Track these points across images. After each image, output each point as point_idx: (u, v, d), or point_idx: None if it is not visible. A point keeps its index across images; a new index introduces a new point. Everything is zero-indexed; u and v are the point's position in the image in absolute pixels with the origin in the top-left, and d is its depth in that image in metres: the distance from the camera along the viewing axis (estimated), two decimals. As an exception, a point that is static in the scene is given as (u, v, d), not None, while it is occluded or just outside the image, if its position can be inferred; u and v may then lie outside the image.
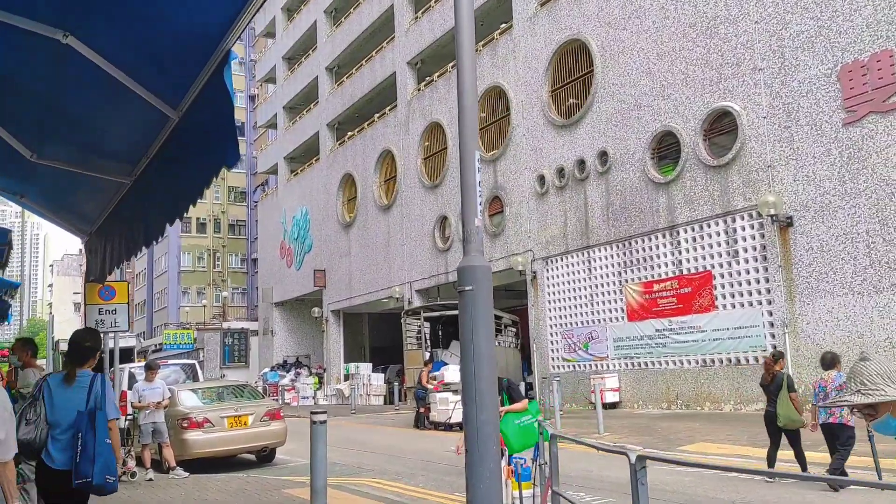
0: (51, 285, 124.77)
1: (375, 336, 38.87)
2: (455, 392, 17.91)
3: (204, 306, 56.30)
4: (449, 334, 23.12)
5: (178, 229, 60.10)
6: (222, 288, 58.82)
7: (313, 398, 35.03)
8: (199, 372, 17.53)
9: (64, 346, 15.60)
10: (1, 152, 5.98)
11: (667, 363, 18.62)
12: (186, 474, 10.64)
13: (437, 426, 17.39)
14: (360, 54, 34.80)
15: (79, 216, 9.30)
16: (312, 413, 7.55)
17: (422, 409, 18.14)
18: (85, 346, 4.62)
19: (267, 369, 39.71)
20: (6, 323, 32.50)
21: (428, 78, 29.33)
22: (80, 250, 10.16)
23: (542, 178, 22.59)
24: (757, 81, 16.59)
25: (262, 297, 44.57)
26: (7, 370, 11.35)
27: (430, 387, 17.93)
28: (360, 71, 34.58)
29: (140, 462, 10.89)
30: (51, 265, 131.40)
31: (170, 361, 18.20)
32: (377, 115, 32.82)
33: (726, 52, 17.27)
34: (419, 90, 29.73)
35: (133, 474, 10.36)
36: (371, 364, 33.16)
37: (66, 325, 66.03)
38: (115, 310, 10.65)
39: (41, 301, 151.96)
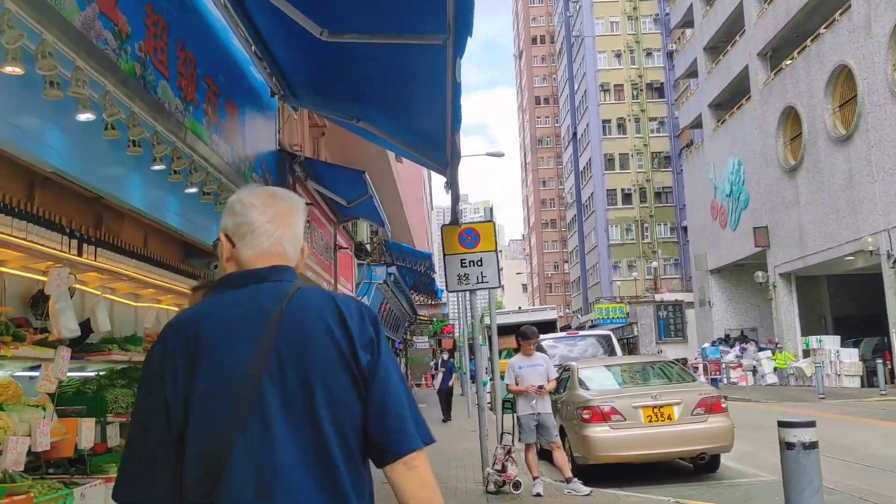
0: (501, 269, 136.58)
1: (838, 304, 31.70)
2: None
3: (635, 279, 53.93)
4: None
5: (603, 202, 58.89)
6: (652, 259, 55.72)
7: (761, 377, 29.66)
8: (616, 345, 14.45)
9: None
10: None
11: None
12: (588, 490, 7.44)
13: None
14: (795, -43, 28.21)
15: (429, 141, 6.87)
16: (783, 424, 3.72)
17: None
18: None
19: (707, 344, 35.35)
20: (437, 299, 34.08)
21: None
22: (446, 187, 7.79)
23: None
24: None
25: (696, 266, 40.12)
26: None
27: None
28: (796, -23, 28.02)
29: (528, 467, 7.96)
30: (500, 250, 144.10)
31: (580, 333, 15.53)
32: (823, 26, 26.05)
33: None
34: (883, -24, 22.43)
35: (516, 485, 7.60)
36: (839, 337, 26.66)
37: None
38: (481, 260, 8.04)
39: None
